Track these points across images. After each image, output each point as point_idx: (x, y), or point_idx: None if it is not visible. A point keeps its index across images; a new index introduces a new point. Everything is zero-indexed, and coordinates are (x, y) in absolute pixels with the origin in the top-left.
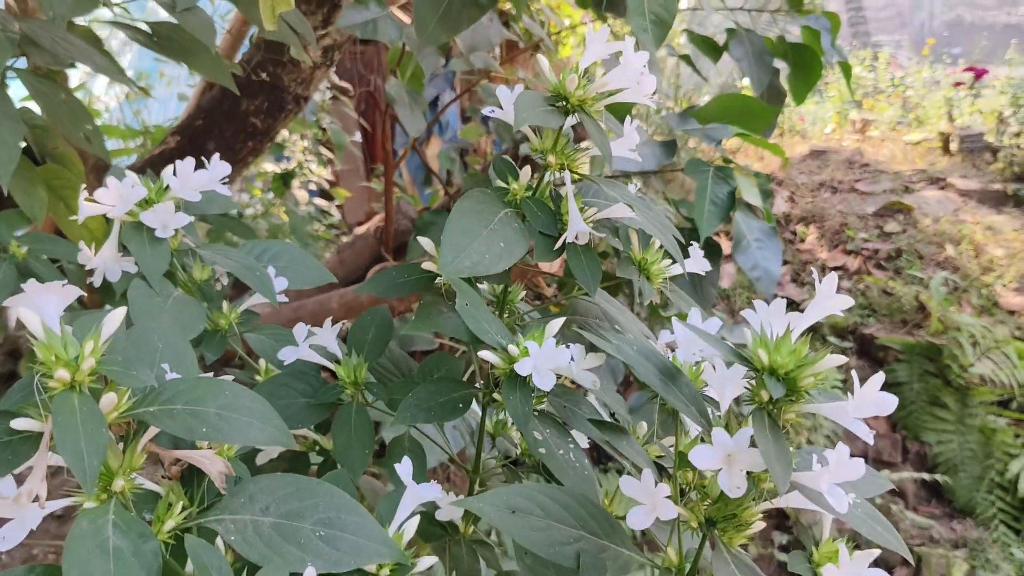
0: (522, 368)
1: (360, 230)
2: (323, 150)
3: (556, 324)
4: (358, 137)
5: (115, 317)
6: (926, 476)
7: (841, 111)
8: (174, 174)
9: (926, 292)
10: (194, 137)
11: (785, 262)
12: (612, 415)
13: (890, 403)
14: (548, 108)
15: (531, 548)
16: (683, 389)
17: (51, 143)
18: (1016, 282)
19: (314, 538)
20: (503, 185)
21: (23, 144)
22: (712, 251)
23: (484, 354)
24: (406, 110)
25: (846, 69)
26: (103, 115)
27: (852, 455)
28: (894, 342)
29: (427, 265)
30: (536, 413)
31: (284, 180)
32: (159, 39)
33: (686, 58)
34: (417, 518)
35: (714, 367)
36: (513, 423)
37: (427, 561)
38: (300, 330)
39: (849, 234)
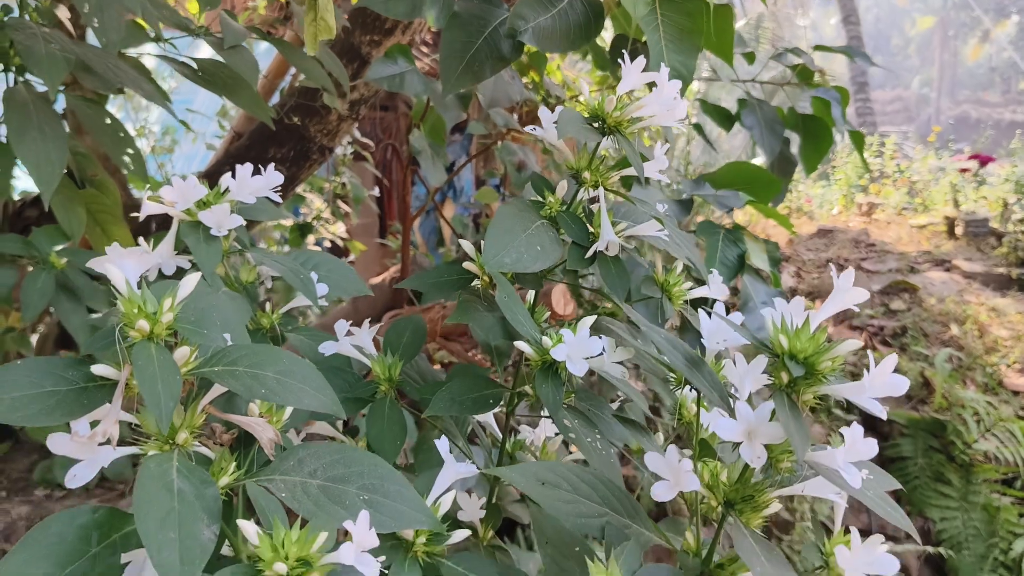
0: (558, 353)
1: (375, 280)
2: (341, 204)
3: (589, 319)
4: (375, 192)
5: (190, 282)
6: (930, 549)
7: (847, 194)
8: (233, 178)
9: (931, 369)
10: None
11: None
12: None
13: (902, 384)
14: (586, 126)
15: (559, 516)
16: (706, 376)
17: (91, 170)
18: (1021, 363)
19: (358, 501)
20: (539, 199)
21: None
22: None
23: (520, 344)
24: (428, 162)
25: (858, 138)
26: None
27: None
28: (899, 417)
29: (467, 265)
30: (565, 407)
31: (302, 232)
32: (204, 74)
33: (698, 127)
34: (453, 493)
35: (735, 363)
36: (545, 411)
37: (461, 533)
38: (341, 327)
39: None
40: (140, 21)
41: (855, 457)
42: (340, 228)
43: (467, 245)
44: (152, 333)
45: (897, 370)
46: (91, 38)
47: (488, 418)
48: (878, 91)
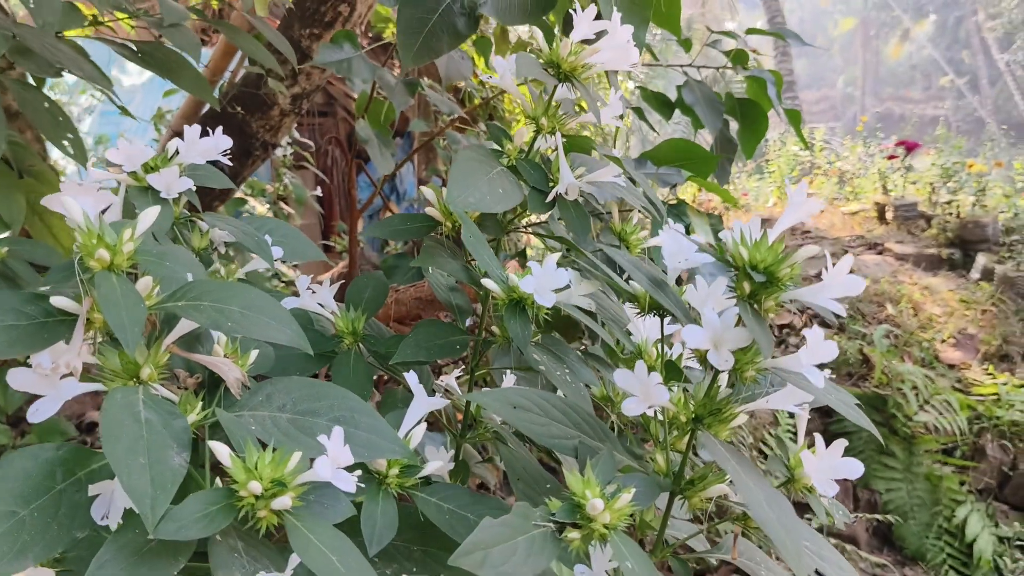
0: (527, 285)
1: (323, 277)
2: (283, 206)
3: (555, 256)
4: (317, 192)
5: (149, 214)
6: (879, 518)
7: (781, 186)
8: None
9: (869, 346)
10: None
11: None
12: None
13: (858, 284)
14: (542, 70)
15: (532, 436)
16: (670, 295)
17: (28, 160)
18: (954, 338)
19: (329, 432)
20: (498, 148)
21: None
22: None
23: (486, 283)
24: (376, 150)
25: (794, 117)
26: (63, 177)
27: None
28: None
29: (429, 210)
30: (533, 344)
31: None
32: (144, 55)
33: (639, 111)
34: (424, 426)
35: (696, 287)
36: (511, 365)
37: (434, 464)
38: (302, 282)
39: None
40: (78, 4)
41: (817, 359)
42: None
43: (428, 191)
44: (113, 264)
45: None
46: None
47: (452, 383)
48: (805, 91)
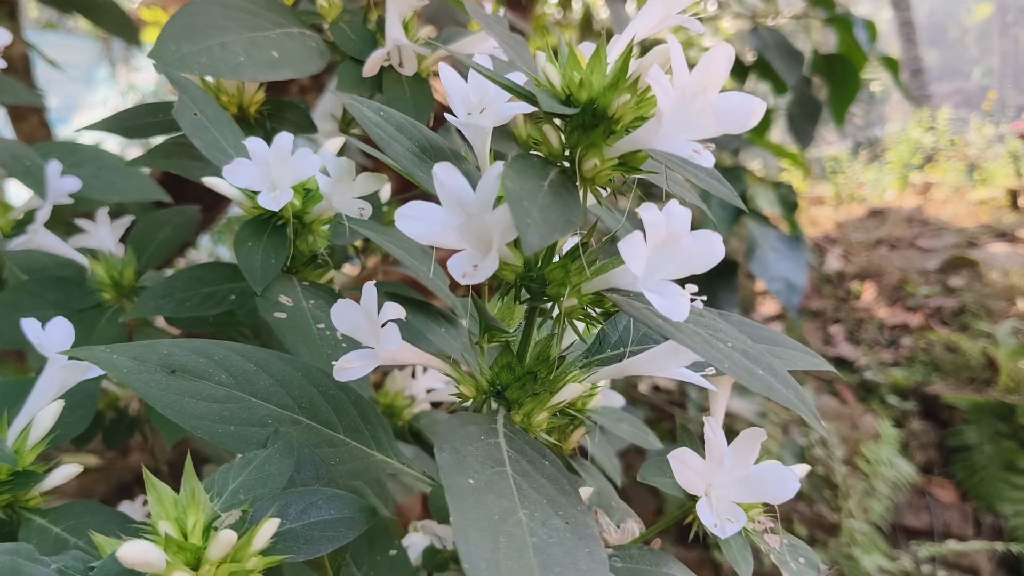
0: (235, 174)
1: None
2: None
3: (335, 142)
4: None
5: None
6: (999, 546)
7: (902, 175)
8: None
9: (994, 347)
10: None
11: (837, 320)
12: None
13: (753, 109)
14: None
15: (185, 424)
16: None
17: None
18: None
19: None
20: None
21: None
22: (726, 267)
23: (210, 181)
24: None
25: (892, 65)
26: None
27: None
28: (960, 401)
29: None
30: (303, 286)
31: None
32: None
33: None
34: (60, 405)
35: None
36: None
37: (67, 470)
38: (43, 213)
39: (910, 290)
40: None
41: (666, 268)
42: None
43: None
44: None
45: (954, 348)
46: None
47: None
48: (937, 83)
